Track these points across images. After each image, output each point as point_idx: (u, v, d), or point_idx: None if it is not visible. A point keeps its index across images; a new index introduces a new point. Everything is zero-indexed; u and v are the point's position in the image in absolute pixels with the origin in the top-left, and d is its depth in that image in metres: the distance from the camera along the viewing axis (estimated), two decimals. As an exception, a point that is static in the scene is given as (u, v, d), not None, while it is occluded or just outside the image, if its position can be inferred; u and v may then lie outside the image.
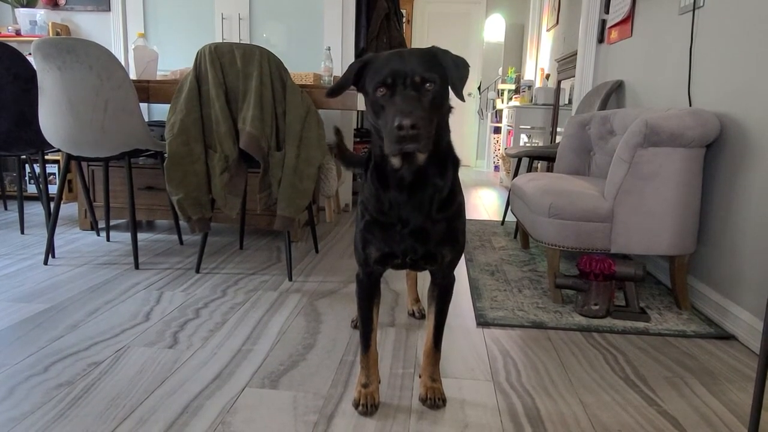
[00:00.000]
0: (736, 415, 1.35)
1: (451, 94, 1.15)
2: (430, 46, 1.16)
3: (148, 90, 2.60)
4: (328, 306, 2.03)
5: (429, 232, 1.21)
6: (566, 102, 4.98)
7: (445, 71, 1.11)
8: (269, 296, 2.11)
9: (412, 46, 6.17)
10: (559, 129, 4.78)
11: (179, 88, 2.23)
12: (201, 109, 2.22)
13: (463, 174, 1.35)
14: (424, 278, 2.29)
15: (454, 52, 1.17)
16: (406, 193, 1.18)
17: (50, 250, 2.46)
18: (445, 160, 1.20)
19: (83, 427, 1.21)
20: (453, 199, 1.23)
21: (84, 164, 2.98)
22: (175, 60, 3.85)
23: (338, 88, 1.19)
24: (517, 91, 6.31)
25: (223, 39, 3.87)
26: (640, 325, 1.90)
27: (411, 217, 1.20)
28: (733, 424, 1.31)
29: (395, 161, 1.15)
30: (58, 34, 3.96)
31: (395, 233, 1.22)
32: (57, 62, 2.21)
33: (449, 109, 1.17)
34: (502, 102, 6.82)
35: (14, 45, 2.88)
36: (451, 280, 1.35)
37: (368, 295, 1.33)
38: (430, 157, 1.15)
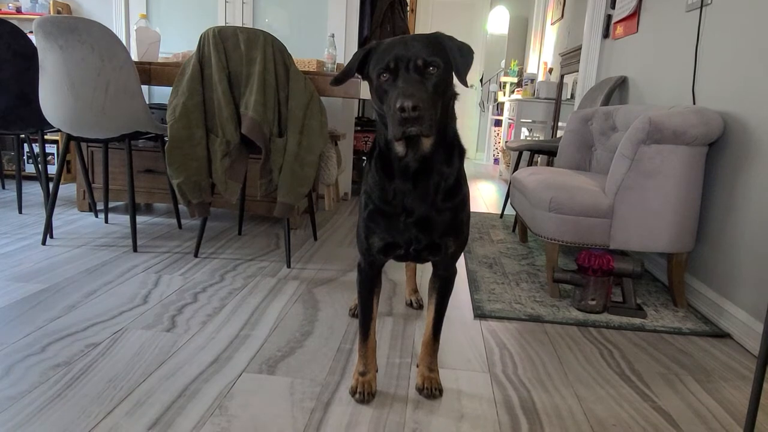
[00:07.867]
0: (729, 413, 1.36)
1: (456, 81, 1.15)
2: (434, 31, 1.16)
3: (149, 72, 2.58)
4: (326, 294, 2.03)
5: (433, 221, 1.21)
6: (568, 96, 4.97)
7: (448, 56, 1.11)
8: (267, 282, 2.11)
9: (416, 36, 6.12)
10: (560, 123, 4.77)
11: (181, 71, 2.21)
12: (203, 92, 2.21)
13: (463, 165, 1.34)
14: (424, 269, 2.31)
15: (456, 42, 1.16)
16: (411, 181, 1.17)
17: (48, 230, 2.46)
18: (452, 148, 1.19)
19: (80, 407, 1.22)
20: (459, 189, 1.22)
21: (83, 145, 2.96)
22: (177, 43, 3.82)
23: (343, 76, 1.18)
24: (519, 84, 6.29)
25: (225, 23, 3.84)
26: (637, 321, 1.91)
27: (415, 206, 1.19)
28: (727, 422, 1.32)
29: (400, 148, 1.14)
30: (59, 12, 3.92)
31: (399, 223, 1.21)
32: (59, 41, 2.19)
33: (454, 95, 1.16)
34: (504, 95, 6.80)
35: (15, 23, 2.85)
36: (453, 272, 1.36)
37: (369, 285, 1.33)
38: (436, 144, 1.14)
